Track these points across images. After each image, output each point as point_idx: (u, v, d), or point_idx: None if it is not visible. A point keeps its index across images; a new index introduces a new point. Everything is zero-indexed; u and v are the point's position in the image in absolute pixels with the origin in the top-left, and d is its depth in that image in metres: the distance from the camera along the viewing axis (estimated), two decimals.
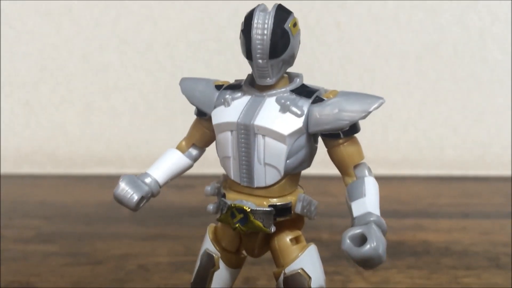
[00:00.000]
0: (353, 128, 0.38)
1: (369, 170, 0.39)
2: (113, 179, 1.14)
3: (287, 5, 1.11)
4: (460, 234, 0.79)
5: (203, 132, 0.43)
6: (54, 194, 0.98)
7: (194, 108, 0.44)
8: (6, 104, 1.11)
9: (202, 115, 0.42)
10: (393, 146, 1.11)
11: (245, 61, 0.43)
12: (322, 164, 0.92)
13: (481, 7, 1.04)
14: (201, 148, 0.44)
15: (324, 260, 0.68)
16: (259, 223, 0.38)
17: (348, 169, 0.39)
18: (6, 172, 1.10)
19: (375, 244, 0.32)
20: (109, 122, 1.12)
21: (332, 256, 0.71)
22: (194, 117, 0.44)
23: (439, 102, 1.09)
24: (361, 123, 0.93)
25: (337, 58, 1.08)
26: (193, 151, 0.44)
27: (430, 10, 1.05)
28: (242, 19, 0.99)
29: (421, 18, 1.05)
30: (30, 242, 0.76)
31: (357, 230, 0.33)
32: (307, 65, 1.07)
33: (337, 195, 0.91)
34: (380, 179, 1.11)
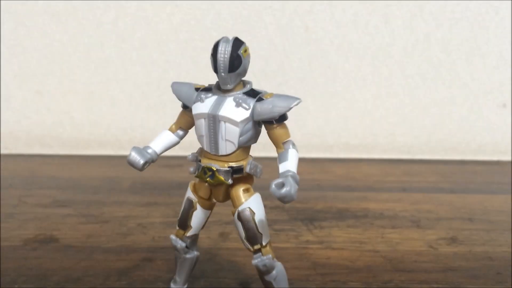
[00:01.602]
0: (282, 117, 0.55)
1: (293, 144, 0.55)
2: (112, 159, 1.34)
3: (262, 12, 1.34)
4: (394, 204, 0.96)
5: (186, 119, 0.60)
6: (63, 171, 1.14)
7: (179, 102, 0.62)
8: (19, 92, 1.25)
9: (186, 108, 0.59)
10: (352, 132, 1.29)
11: None
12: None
13: (427, 14, 1.21)
14: (185, 130, 0.61)
15: (284, 221, 0.88)
16: (221, 177, 0.56)
17: (279, 143, 0.56)
18: (20, 151, 1.27)
19: (289, 188, 0.49)
20: (108, 109, 1.26)
21: (290, 219, 0.89)
22: (179, 106, 0.61)
23: (391, 95, 1.27)
24: (329, 113, 1.17)
25: (305, 57, 1.24)
26: (180, 132, 0.61)
27: (383, 17, 1.21)
28: (223, 22, 1.24)
29: (376, 23, 1.22)
30: (48, 207, 0.93)
31: (279, 180, 0.50)
32: (279, 62, 1.24)
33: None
34: (339, 161, 1.32)
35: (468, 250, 0.78)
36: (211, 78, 0.59)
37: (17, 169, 1.15)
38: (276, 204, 0.91)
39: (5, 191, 1.01)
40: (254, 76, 1.23)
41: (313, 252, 0.77)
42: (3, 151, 1.27)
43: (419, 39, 1.23)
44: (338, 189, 1.06)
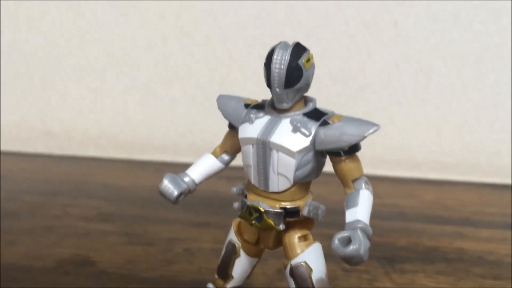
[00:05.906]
0: (353, 148, 0.42)
1: (366, 183, 0.43)
2: (169, 167, 1.22)
3: (343, 4, 1.15)
4: (498, 245, 0.78)
5: (233, 142, 0.49)
6: (114, 177, 1.07)
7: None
8: (76, 89, 1.21)
9: (233, 128, 0.48)
10: (446, 149, 1.09)
11: None
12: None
13: None
14: (232, 154, 0.50)
15: None
16: (271, 221, 0.44)
17: (348, 181, 0.43)
18: (74, 153, 1.20)
19: (357, 246, 0.37)
20: (167, 110, 1.18)
21: None
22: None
23: (497, 107, 1.06)
24: (418, 124, 0.95)
25: (392, 57, 1.07)
26: (225, 157, 0.50)
27: (492, 11, 1.01)
28: (297, 16, 1.05)
29: (483, 18, 1.02)
30: (91, 221, 0.84)
31: (345, 234, 0.39)
32: (361, 63, 1.07)
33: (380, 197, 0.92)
34: (429, 183, 1.10)
35: None
36: None
37: (68, 172, 1.09)
38: None
39: (52, 198, 0.95)
40: (331, 79, 1.06)
41: None
42: (58, 152, 1.21)
43: None
44: (426, 220, 0.87)
